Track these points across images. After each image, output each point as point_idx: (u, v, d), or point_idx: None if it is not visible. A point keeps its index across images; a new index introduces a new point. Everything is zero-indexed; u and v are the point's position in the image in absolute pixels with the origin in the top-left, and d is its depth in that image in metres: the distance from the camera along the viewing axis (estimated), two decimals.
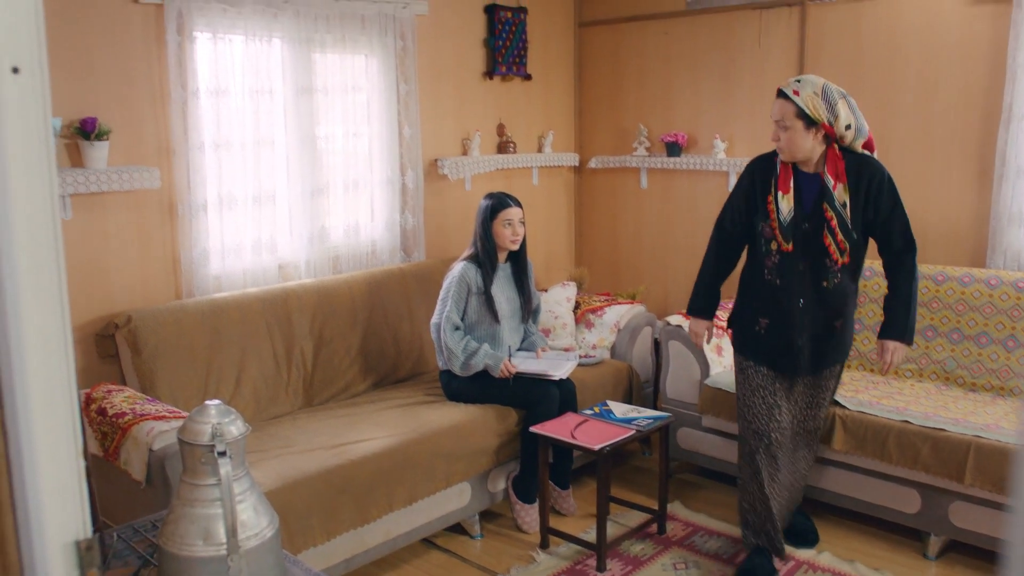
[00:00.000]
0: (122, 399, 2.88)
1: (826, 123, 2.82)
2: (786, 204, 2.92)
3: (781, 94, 2.88)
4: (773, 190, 2.96)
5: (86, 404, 2.92)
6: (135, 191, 3.36)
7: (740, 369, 3.14)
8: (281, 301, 3.65)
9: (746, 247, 3.16)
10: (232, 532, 1.44)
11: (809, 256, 2.93)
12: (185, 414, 2.72)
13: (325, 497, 2.87)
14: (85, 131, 3.15)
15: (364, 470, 3.01)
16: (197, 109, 3.48)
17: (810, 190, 2.93)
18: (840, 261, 2.90)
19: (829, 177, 2.87)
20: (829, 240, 2.88)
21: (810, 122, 2.83)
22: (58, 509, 0.95)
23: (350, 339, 3.84)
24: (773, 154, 3.01)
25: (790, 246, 2.92)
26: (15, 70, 0.87)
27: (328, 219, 4.05)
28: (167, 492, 2.56)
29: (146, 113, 3.41)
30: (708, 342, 3.39)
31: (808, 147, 2.87)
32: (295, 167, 3.87)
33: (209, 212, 3.56)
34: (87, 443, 2.50)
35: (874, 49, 4.08)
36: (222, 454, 1.46)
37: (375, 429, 3.28)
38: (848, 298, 3.00)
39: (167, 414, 2.76)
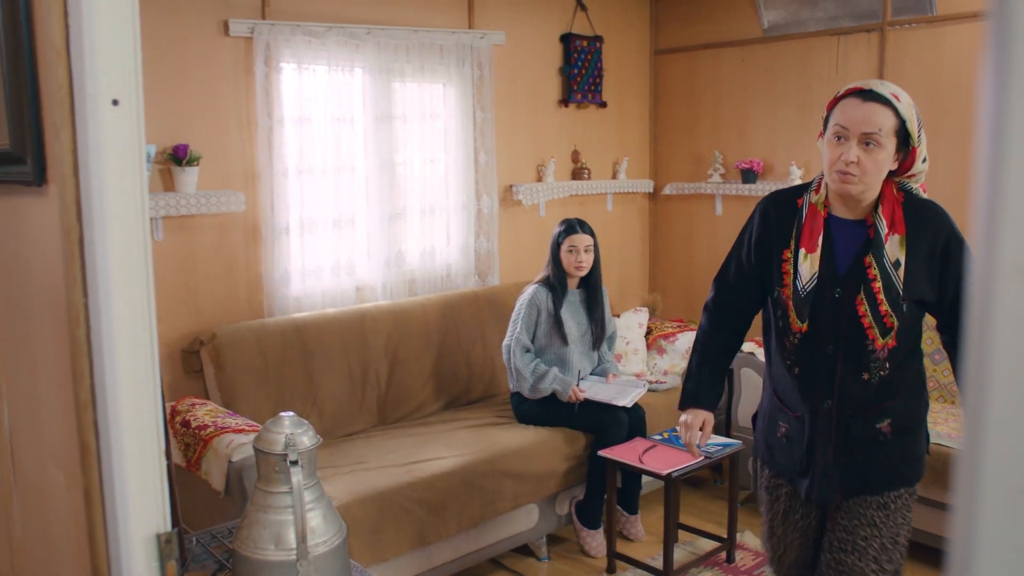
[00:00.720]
0: (205, 412, 3.01)
1: (916, 146, 2.00)
2: (808, 268, 2.04)
3: (874, 96, 1.95)
4: (794, 245, 2.08)
5: (171, 416, 3.06)
6: (222, 214, 3.52)
7: (763, 485, 2.29)
8: (358, 322, 3.76)
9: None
10: (302, 538, 1.50)
11: (841, 338, 2.02)
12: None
13: (395, 513, 2.94)
14: (177, 157, 3.33)
15: (434, 488, 3.07)
16: (282, 136, 3.63)
17: (850, 243, 2.04)
18: (884, 345, 1.99)
19: (883, 223, 1.99)
20: (866, 312, 1.98)
21: (904, 142, 1.98)
22: (141, 504, 1.03)
23: (424, 360, 3.92)
24: (796, 192, 2.15)
25: (805, 325, 2.04)
26: (115, 102, 0.96)
27: (405, 243, 4.16)
28: (244, 502, 2.66)
29: (234, 140, 3.58)
30: (702, 445, 2.32)
31: (884, 176, 2.00)
32: (374, 192, 3.99)
33: (291, 235, 3.70)
34: (171, 452, 2.63)
35: (956, 75, 4.00)
36: (294, 463, 1.53)
37: (446, 449, 3.35)
38: (904, 392, 2.07)
39: (246, 428, 2.87)
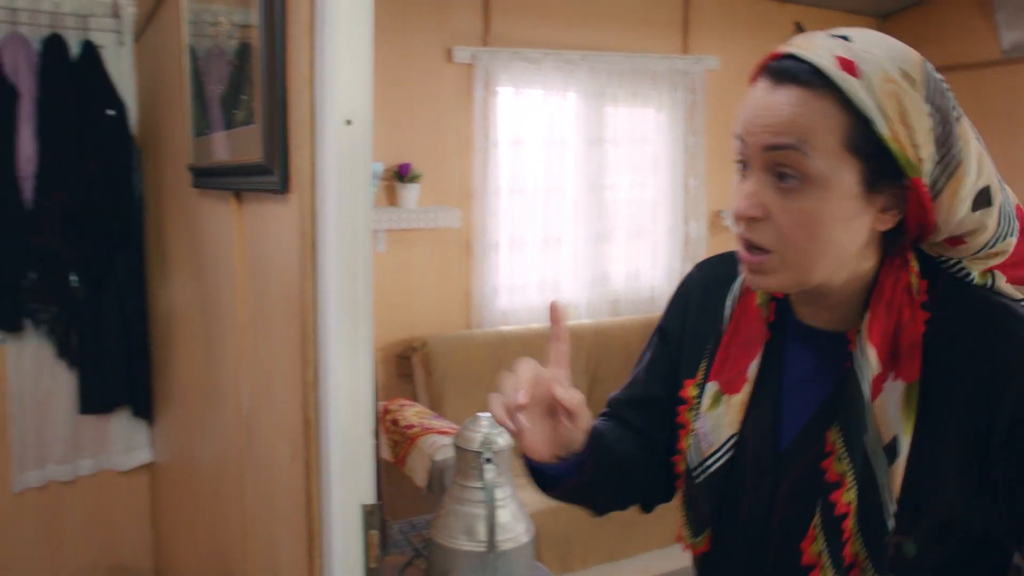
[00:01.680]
0: (413, 413, 3.22)
1: (922, 178, 0.89)
2: (717, 426, 1.04)
3: (792, 72, 0.88)
4: (702, 374, 1.10)
5: (383, 414, 3.30)
6: (438, 229, 3.76)
7: None
8: None
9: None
10: (491, 531, 1.60)
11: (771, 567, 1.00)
12: None
13: (586, 526, 3.00)
14: (400, 175, 3.61)
15: None
16: (496, 157, 3.83)
17: (814, 387, 1.00)
18: None
19: (869, 354, 0.92)
20: (819, 553, 0.92)
21: (875, 170, 0.88)
22: (351, 476, 1.15)
23: (624, 380, 3.96)
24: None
25: (702, 542, 1.08)
26: (348, 122, 1.10)
27: (610, 264, 4.24)
28: (441, 496, 2.83)
29: (452, 160, 3.82)
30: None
31: (848, 250, 0.92)
32: (582, 213, 4.11)
33: (501, 251, 3.89)
34: (379, 444, 2.84)
35: None
36: (488, 460, 1.64)
37: None
38: None
39: (449, 430, 3.05)
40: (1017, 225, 0.97)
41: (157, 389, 3.11)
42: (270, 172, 1.26)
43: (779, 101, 0.88)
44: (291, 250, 1.23)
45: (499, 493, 1.67)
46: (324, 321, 1.13)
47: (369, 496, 1.17)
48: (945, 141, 0.90)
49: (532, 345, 3.78)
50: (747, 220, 0.91)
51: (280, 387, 1.37)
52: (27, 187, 3.02)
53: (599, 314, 4.18)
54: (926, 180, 0.89)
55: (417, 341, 3.61)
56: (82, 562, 3.42)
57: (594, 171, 4.11)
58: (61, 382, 3.23)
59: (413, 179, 3.63)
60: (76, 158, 3.04)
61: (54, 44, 3.08)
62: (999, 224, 0.94)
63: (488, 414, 1.71)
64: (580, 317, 4.14)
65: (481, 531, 1.63)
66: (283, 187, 1.23)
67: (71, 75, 3.09)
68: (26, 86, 3.03)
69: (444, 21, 3.77)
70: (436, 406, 3.51)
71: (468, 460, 1.67)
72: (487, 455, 1.65)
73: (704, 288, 1.16)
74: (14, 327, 3.08)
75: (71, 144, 3.04)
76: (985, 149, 0.97)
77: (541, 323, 3.98)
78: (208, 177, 1.76)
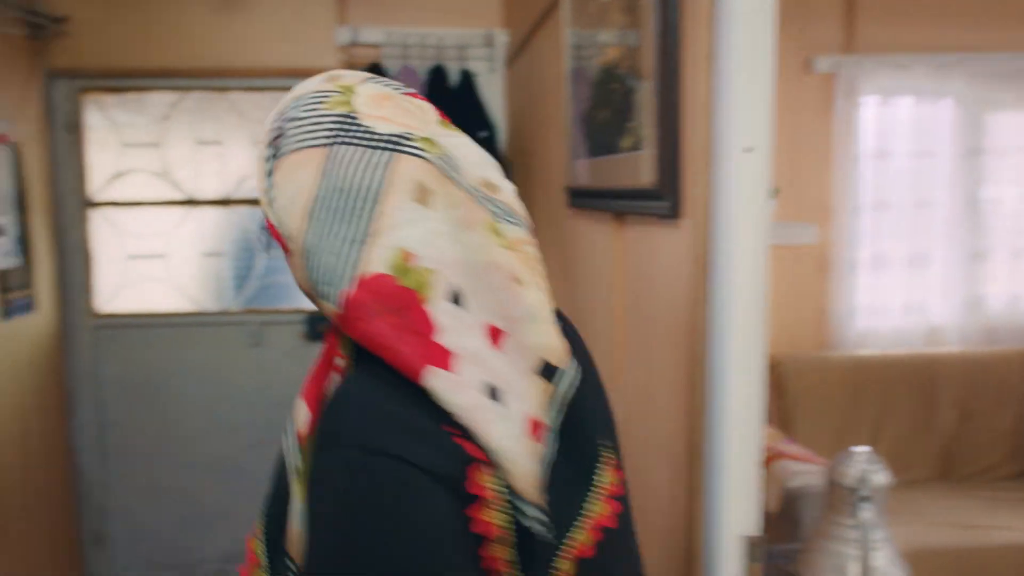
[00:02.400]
0: (764, 435, 3.13)
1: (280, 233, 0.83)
2: None
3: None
4: None
5: None
6: (793, 245, 3.63)
7: None
8: (926, 366, 3.55)
9: None
10: (864, 574, 1.51)
11: None
12: (819, 460, 2.85)
13: (968, 570, 2.74)
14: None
15: (1004, 561, 2.78)
16: (858, 171, 3.61)
17: None
18: None
19: (301, 406, 0.83)
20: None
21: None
22: (736, 506, 1.15)
23: (1000, 417, 3.55)
24: None
25: None
26: (748, 150, 1.10)
27: (987, 286, 3.81)
28: (792, 526, 2.71)
29: (810, 174, 3.66)
30: None
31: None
32: (954, 230, 3.74)
33: (861, 270, 3.66)
34: None
35: None
36: (865, 499, 1.54)
37: (1019, 520, 2.99)
38: None
39: (802, 456, 2.92)
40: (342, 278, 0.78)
41: None
42: (661, 197, 1.29)
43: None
44: (680, 275, 1.25)
45: (875, 534, 1.57)
46: (715, 346, 1.13)
47: (754, 527, 1.16)
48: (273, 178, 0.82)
49: (893, 372, 3.51)
50: None
51: (660, 407, 1.40)
52: None
53: (972, 342, 3.77)
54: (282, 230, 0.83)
55: (770, 360, 3.51)
56: None
57: (971, 184, 3.72)
58: None
59: (771, 194, 3.54)
60: None
61: (437, 74, 3.43)
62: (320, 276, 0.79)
63: (864, 448, 1.61)
64: (949, 345, 3.77)
65: (853, 573, 1.54)
66: (674, 212, 1.25)
67: (451, 101, 3.41)
68: None
69: (803, 30, 3.63)
70: (786, 429, 3.39)
71: (841, 496, 1.59)
72: (864, 492, 1.56)
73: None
74: None
75: None
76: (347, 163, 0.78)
77: (904, 348, 3.68)
78: (587, 198, 1.84)
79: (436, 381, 0.73)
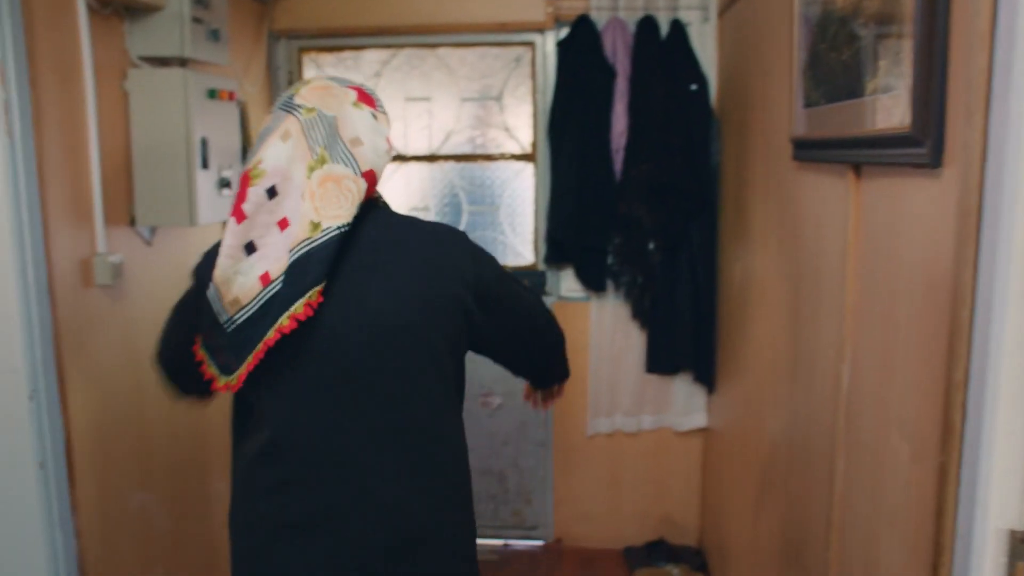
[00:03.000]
0: None
1: None
2: None
3: None
4: None
5: None
6: None
7: None
8: None
9: None
10: None
11: None
12: None
13: None
14: None
15: None
16: None
17: None
18: None
19: None
20: None
21: None
22: (1000, 494, 1.00)
23: None
24: None
25: None
26: None
27: None
28: None
29: None
30: None
31: None
32: None
33: None
34: None
35: None
36: None
37: None
38: None
39: None
40: None
41: (720, 357, 3.19)
42: (917, 144, 1.13)
43: None
44: (941, 232, 1.10)
45: None
46: (986, 314, 0.99)
47: (1020, 520, 1.01)
48: None
49: None
50: None
51: (903, 380, 1.25)
52: (617, 159, 3.30)
53: None
54: None
55: None
56: (636, 508, 3.70)
57: None
58: (633, 341, 3.50)
59: None
60: (661, 131, 3.22)
61: (647, 25, 3.29)
62: None
63: None
64: None
65: None
66: (935, 160, 1.10)
67: (660, 53, 3.27)
68: (622, 66, 3.30)
69: None
70: None
71: None
72: None
73: None
74: (600, 287, 3.41)
75: (657, 118, 3.23)
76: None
77: None
78: (816, 150, 1.69)
79: (228, 223, 1.41)
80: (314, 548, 1.44)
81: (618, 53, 3.31)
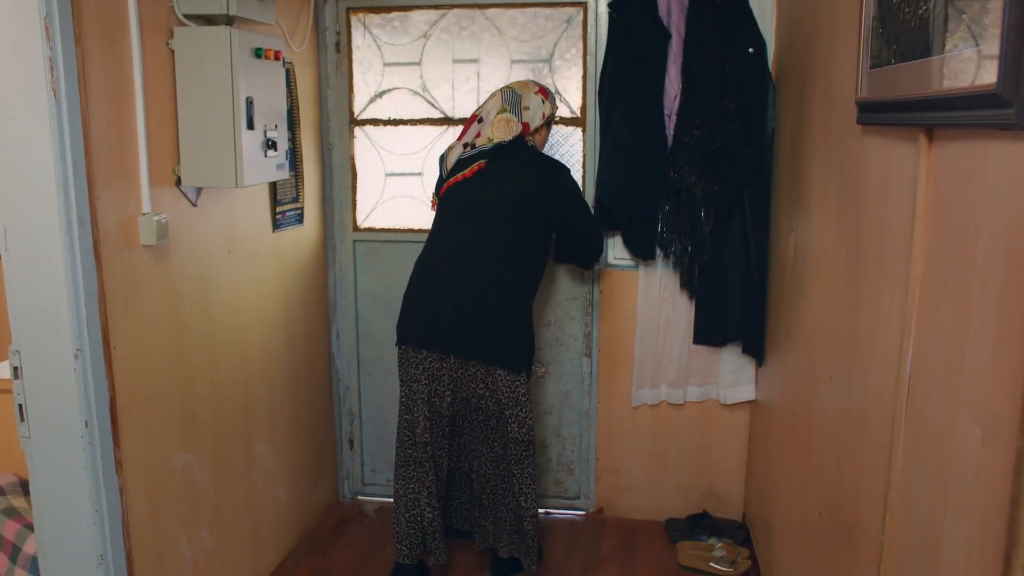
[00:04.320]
0: None
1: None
2: None
3: None
4: None
5: None
6: None
7: None
8: None
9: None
10: None
11: None
12: None
13: None
14: None
15: None
16: None
17: None
18: None
19: None
20: None
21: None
22: None
23: None
24: None
25: None
26: None
27: None
28: None
29: None
30: None
31: None
32: None
33: None
34: None
35: None
36: None
37: None
38: None
39: None
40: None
41: (771, 330, 3.10)
42: (1005, 103, 1.05)
43: None
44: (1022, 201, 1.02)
45: None
46: None
47: None
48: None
49: None
50: None
51: (976, 358, 1.18)
52: (670, 125, 3.20)
53: None
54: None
55: None
56: (681, 480, 3.64)
57: None
58: (681, 310, 3.42)
59: None
60: (716, 96, 3.12)
61: None
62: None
63: None
64: None
65: None
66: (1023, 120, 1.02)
67: (717, 15, 3.15)
68: (676, 27, 3.19)
69: None
70: None
71: None
72: None
73: None
74: (649, 256, 3.33)
75: (712, 82, 3.13)
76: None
77: None
78: (885, 112, 1.60)
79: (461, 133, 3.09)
80: (438, 294, 2.84)
81: (673, 14, 3.20)
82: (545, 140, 3.04)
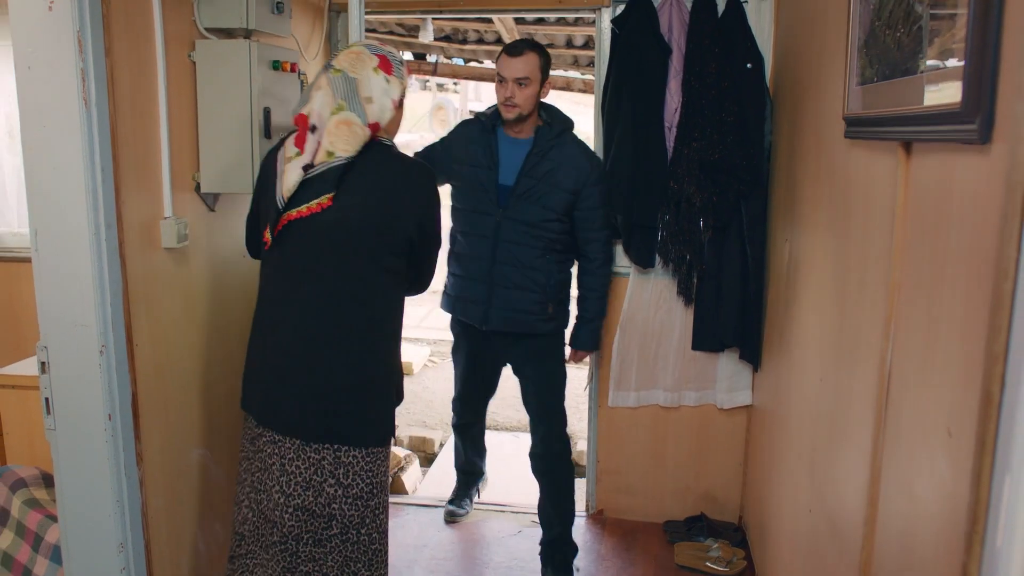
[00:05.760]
0: None
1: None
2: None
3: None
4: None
5: None
6: None
7: None
8: None
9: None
10: None
11: None
12: None
13: None
14: None
15: None
16: None
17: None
18: None
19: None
20: None
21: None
22: None
23: None
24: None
25: None
26: None
27: None
28: None
29: None
30: None
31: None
32: None
33: None
34: None
35: None
36: None
37: None
38: None
39: None
40: None
41: (767, 336, 3.20)
42: (967, 120, 1.15)
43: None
44: (988, 208, 1.11)
45: None
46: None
47: None
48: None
49: None
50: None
51: (944, 353, 1.28)
52: (670, 137, 3.31)
53: None
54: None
55: None
56: (678, 483, 3.73)
57: None
58: (676, 317, 3.52)
59: None
60: (714, 110, 3.23)
61: (704, 3, 3.28)
62: None
63: None
64: None
65: None
66: (984, 136, 1.12)
67: (716, 31, 3.26)
68: (677, 43, 3.30)
69: None
70: None
71: None
72: None
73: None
74: (649, 264, 3.43)
75: (711, 96, 3.23)
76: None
77: None
78: (868, 126, 1.70)
79: (288, 143, 2.18)
80: (275, 359, 2.21)
81: (674, 30, 3.31)
82: (399, 125, 2.31)
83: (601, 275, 3.16)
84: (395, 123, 2.27)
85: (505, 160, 3.04)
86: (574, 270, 3.24)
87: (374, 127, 2.15)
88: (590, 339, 3.25)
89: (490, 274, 3.08)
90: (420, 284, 2.40)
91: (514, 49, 2.93)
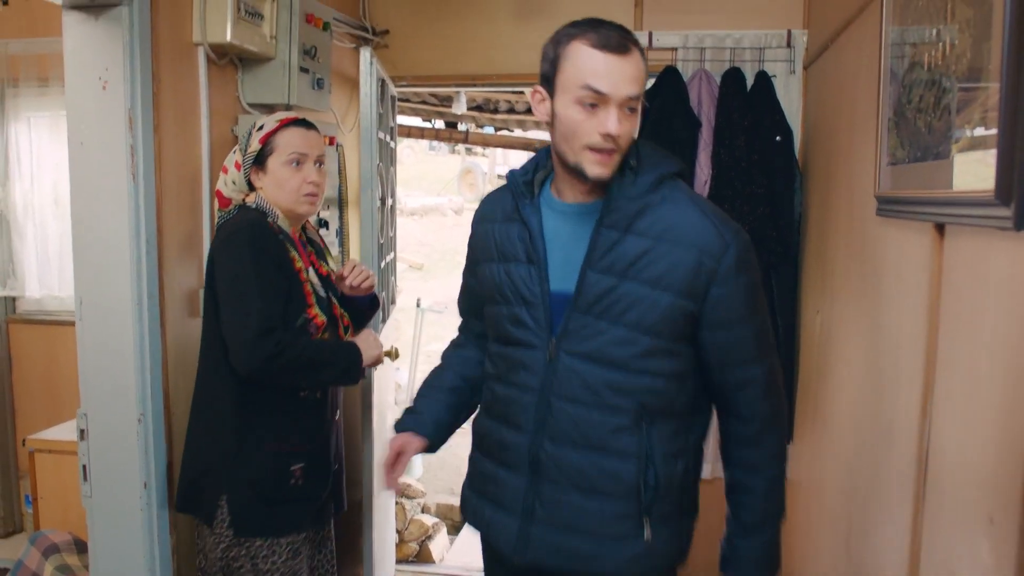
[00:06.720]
0: None
1: None
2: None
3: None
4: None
5: None
6: None
7: None
8: None
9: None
10: None
11: None
12: None
13: None
14: None
15: None
16: None
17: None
18: None
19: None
20: None
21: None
22: None
23: None
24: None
25: None
26: None
27: None
28: None
29: None
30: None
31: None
32: None
33: None
34: None
35: None
36: None
37: None
38: None
39: None
40: None
41: (799, 409, 3.17)
42: (1001, 205, 1.16)
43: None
44: (1020, 295, 1.12)
45: None
46: None
47: None
48: None
49: None
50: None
51: (981, 439, 1.27)
52: None
53: None
54: None
55: None
56: (709, 557, 3.65)
57: None
58: None
59: None
60: (744, 182, 3.26)
61: (733, 77, 3.34)
62: None
63: None
64: None
65: None
66: (1020, 223, 1.13)
67: (745, 105, 3.32)
68: (706, 116, 3.35)
69: None
70: None
71: None
72: None
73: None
74: None
75: (741, 169, 3.27)
76: None
77: None
78: (900, 206, 1.72)
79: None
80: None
81: (703, 104, 3.37)
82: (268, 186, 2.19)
83: (768, 444, 1.76)
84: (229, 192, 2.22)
85: (556, 245, 1.66)
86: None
87: (221, 200, 2.22)
88: (762, 562, 1.86)
89: (535, 460, 1.66)
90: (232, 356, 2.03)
91: (619, 45, 1.61)
